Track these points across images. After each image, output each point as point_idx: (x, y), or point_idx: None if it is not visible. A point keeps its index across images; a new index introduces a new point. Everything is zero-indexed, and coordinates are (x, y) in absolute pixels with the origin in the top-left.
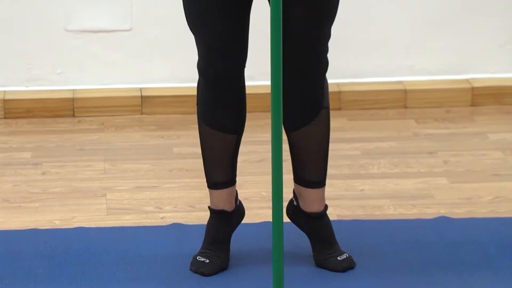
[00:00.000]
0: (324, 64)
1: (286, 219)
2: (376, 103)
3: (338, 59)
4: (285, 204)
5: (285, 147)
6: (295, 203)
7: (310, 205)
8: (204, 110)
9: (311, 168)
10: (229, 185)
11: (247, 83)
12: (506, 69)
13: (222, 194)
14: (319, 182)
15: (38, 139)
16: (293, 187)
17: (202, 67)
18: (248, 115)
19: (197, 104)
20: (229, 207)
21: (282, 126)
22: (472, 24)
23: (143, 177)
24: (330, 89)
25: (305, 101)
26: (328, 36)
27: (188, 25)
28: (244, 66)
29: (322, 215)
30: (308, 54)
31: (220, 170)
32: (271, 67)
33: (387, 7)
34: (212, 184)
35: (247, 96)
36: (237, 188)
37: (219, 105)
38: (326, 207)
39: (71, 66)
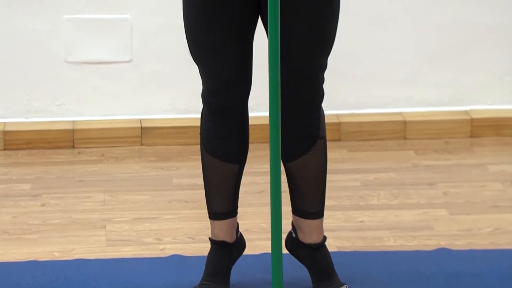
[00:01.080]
0: (320, 95)
1: (285, 250)
2: (375, 134)
3: (338, 90)
4: (284, 235)
5: (284, 178)
6: (293, 235)
7: (308, 236)
8: (207, 139)
9: (308, 199)
10: (230, 216)
11: None
12: (504, 101)
13: (223, 224)
14: (317, 213)
15: (37, 170)
16: (290, 218)
17: (206, 97)
18: None
19: (200, 132)
20: (229, 238)
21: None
22: (471, 57)
23: (143, 208)
24: (330, 120)
25: (301, 131)
26: (324, 67)
27: (192, 55)
28: (248, 97)
29: (321, 246)
30: (304, 85)
31: (222, 200)
32: (269, 98)
33: (387, 39)
34: (213, 214)
35: None
36: (237, 220)
37: (222, 135)
38: (324, 238)
39: (71, 97)
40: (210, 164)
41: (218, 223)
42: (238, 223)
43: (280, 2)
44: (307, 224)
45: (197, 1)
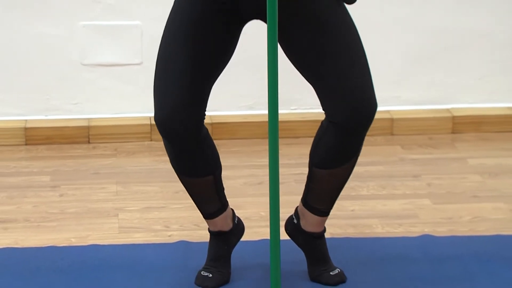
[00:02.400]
0: (371, 118)
1: (282, 237)
2: None
3: None
4: (281, 223)
5: (281, 170)
6: (295, 221)
7: (311, 227)
8: (171, 160)
9: (322, 200)
10: (222, 212)
11: (247, 112)
12: (483, 100)
13: (217, 220)
14: (327, 211)
15: (56, 163)
16: (288, 207)
17: (159, 120)
18: (247, 141)
19: (167, 155)
20: (225, 228)
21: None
22: (453, 60)
23: (152, 198)
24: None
25: (344, 149)
26: (371, 86)
27: (155, 74)
28: (203, 120)
29: (321, 235)
30: (358, 114)
31: (209, 204)
32: (268, 98)
33: (377, 44)
34: (206, 215)
35: (247, 124)
36: (238, 209)
37: (181, 157)
38: (324, 229)
39: (86, 97)
40: (185, 181)
41: (211, 221)
42: (233, 211)
43: (304, 56)
44: (312, 217)
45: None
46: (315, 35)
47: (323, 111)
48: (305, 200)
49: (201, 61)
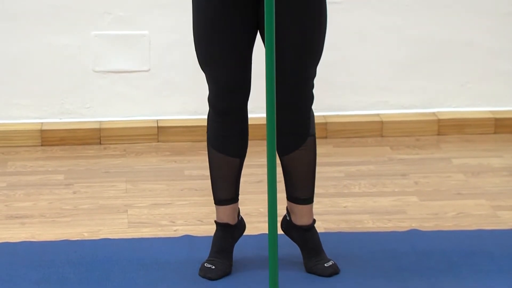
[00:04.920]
0: (310, 98)
1: (280, 231)
2: (357, 132)
3: (325, 95)
4: (279, 218)
5: (279, 170)
6: (288, 218)
7: (300, 219)
8: (213, 137)
9: (300, 187)
10: (233, 202)
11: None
12: (467, 104)
13: (227, 209)
14: (308, 199)
15: (70, 163)
16: (285, 204)
17: (212, 101)
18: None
19: (207, 131)
20: (232, 221)
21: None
22: (438, 67)
23: (159, 195)
24: (318, 120)
25: (294, 130)
26: (313, 75)
27: (200, 64)
28: (248, 100)
29: (310, 227)
30: (297, 91)
31: (226, 189)
32: (266, 102)
33: (367, 52)
34: (218, 201)
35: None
36: (238, 205)
37: (224, 133)
38: (314, 220)
39: (98, 101)
40: (215, 157)
41: (222, 208)
42: (239, 208)
43: (275, 20)
44: (299, 209)
45: (203, 20)
46: (285, 15)
47: (319, 114)
48: (287, 194)
49: (240, 42)
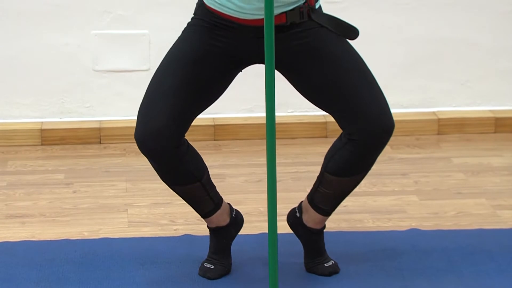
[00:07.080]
0: (390, 134)
1: (280, 231)
2: None
3: None
4: (279, 218)
5: (279, 169)
6: (297, 214)
7: (312, 223)
8: (159, 173)
9: (329, 202)
10: (216, 210)
11: (247, 115)
12: (466, 104)
13: (214, 217)
14: (328, 211)
15: (70, 162)
16: (285, 203)
17: (138, 136)
18: (248, 142)
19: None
20: (223, 223)
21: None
22: (438, 66)
23: (159, 195)
24: (319, 120)
25: (358, 163)
26: (386, 105)
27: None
28: (183, 140)
29: (319, 232)
30: (378, 133)
31: (203, 205)
32: (266, 102)
33: (367, 52)
34: (202, 215)
35: (247, 126)
36: (239, 205)
37: (164, 172)
38: (324, 226)
39: (98, 100)
40: (175, 189)
41: (208, 219)
42: (229, 206)
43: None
44: (315, 215)
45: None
46: (324, 69)
47: (320, 114)
48: (311, 198)
49: (190, 95)
